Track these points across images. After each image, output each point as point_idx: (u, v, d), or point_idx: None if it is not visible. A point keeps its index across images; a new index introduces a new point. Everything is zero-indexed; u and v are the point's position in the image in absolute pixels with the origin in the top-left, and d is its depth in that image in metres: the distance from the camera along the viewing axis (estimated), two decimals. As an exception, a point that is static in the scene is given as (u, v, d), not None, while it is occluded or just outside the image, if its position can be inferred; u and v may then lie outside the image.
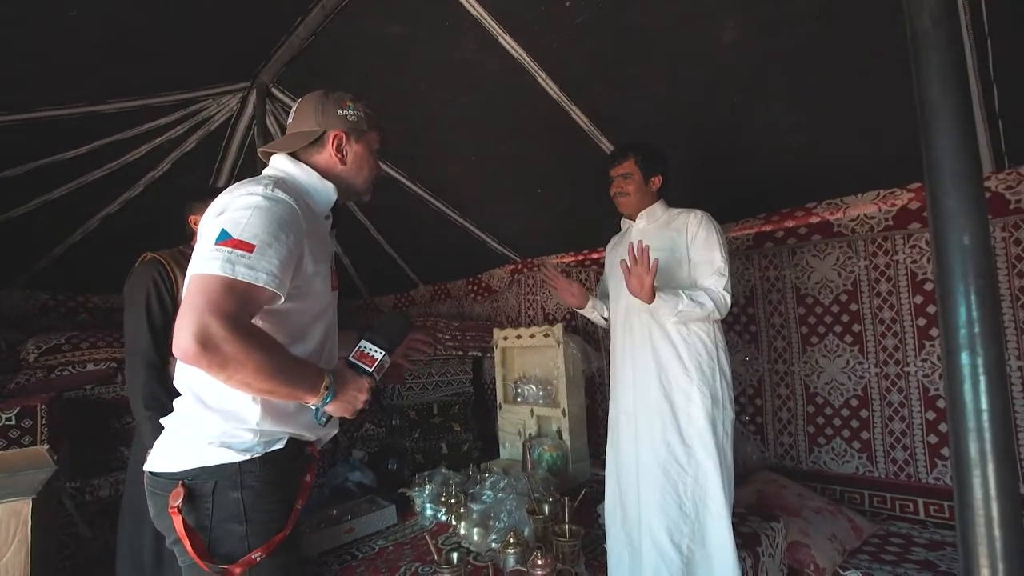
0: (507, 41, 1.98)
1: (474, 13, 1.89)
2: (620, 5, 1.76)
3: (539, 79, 2.13)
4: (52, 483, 1.75)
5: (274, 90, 2.73)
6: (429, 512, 2.67)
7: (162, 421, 1.07)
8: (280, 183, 1.04)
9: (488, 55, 2.04)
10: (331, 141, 1.18)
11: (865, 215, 2.42)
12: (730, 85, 1.98)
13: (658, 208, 1.95)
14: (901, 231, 2.35)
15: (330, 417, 1.09)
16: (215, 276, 0.89)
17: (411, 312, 4.81)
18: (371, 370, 1.09)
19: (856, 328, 2.52)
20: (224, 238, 0.92)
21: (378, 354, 1.10)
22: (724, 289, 1.75)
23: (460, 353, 3.76)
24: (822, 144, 2.15)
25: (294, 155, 1.17)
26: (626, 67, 2.01)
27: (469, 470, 3.05)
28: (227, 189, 1.04)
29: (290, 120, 1.21)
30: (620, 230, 2.12)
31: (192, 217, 2.00)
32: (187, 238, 2.05)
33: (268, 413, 1.03)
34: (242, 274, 0.90)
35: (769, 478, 2.40)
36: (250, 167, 3.04)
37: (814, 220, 2.54)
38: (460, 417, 3.55)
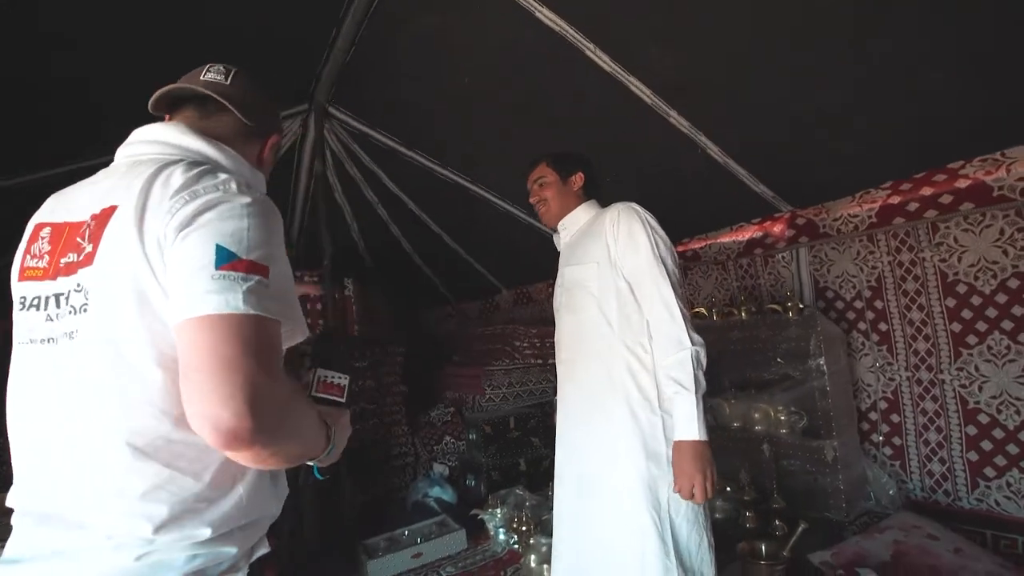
0: (544, 15, 1.75)
1: (502, -12, 1.68)
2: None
3: (587, 52, 1.86)
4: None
5: (331, 109, 2.74)
6: (502, 537, 2.51)
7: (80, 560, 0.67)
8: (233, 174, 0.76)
9: (528, 32, 1.82)
10: (268, 147, 0.94)
11: (1041, 171, 1.80)
12: (832, 16, 1.54)
13: (580, 212, 1.62)
14: (1101, 189, 1.72)
15: (328, 472, 0.89)
16: (245, 315, 0.62)
17: (494, 318, 4.70)
18: (344, 400, 0.89)
19: (1035, 323, 1.90)
20: (228, 259, 0.63)
21: (343, 380, 0.90)
22: (681, 328, 1.30)
23: (539, 362, 3.55)
24: (969, 83, 1.61)
25: (187, 125, 0.85)
26: (688, 21, 1.67)
27: (548, 490, 2.84)
28: (162, 182, 0.70)
29: (227, 81, 0.87)
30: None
31: None
32: None
33: (253, 500, 0.74)
34: (268, 309, 0.64)
35: (911, 523, 1.84)
36: (322, 192, 3.03)
37: (962, 184, 1.95)
38: (539, 430, 3.33)
